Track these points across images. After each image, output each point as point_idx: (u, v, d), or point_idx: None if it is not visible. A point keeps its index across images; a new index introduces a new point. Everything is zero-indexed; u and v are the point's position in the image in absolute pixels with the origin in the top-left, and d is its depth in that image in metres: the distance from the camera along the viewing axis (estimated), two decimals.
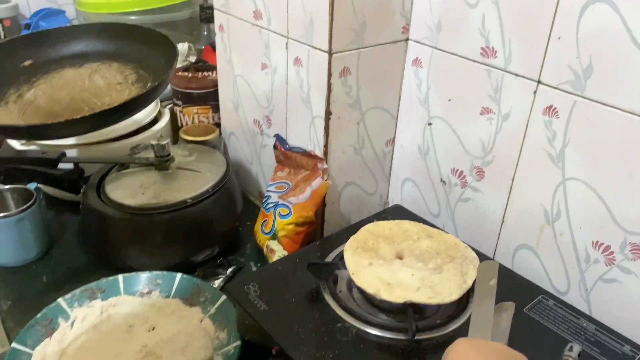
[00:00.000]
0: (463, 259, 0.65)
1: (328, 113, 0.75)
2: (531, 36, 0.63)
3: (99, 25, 0.94)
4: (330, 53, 0.71)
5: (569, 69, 0.60)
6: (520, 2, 0.63)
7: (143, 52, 0.88)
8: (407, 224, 0.71)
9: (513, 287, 0.66)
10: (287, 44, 0.78)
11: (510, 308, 0.56)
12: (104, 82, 0.88)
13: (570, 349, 0.55)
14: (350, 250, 0.65)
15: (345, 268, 0.64)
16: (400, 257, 0.66)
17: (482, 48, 0.69)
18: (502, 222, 0.74)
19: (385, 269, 0.63)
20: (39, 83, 0.87)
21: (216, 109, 1.03)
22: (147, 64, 0.87)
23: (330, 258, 0.70)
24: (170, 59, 0.81)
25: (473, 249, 0.67)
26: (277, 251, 0.78)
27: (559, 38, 0.60)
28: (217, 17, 0.92)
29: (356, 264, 0.63)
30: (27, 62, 0.89)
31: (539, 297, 0.65)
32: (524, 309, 0.63)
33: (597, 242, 0.63)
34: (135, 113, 0.81)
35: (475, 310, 0.55)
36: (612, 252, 0.62)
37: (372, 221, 0.73)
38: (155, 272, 0.76)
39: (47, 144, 0.90)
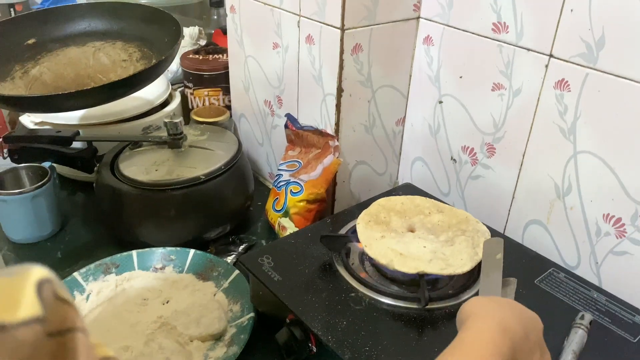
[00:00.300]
0: (474, 232, 0.65)
1: (340, 90, 0.76)
2: (543, 9, 0.63)
3: (102, 4, 0.95)
4: (342, 29, 0.71)
5: (582, 41, 0.61)
6: None
7: (146, 31, 0.88)
8: (418, 199, 0.71)
9: (523, 260, 0.67)
10: (299, 22, 0.78)
11: (513, 283, 0.57)
12: (109, 59, 0.88)
13: (582, 318, 0.56)
14: (363, 223, 0.66)
15: (357, 241, 0.65)
16: (412, 230, 0.67)
17: (493, 24, 0.69)
18: (513, 198, 0.74)
19: (398, 241, 0.64)
20: (44, 60, 0.88)
21: (226, 91, 1.03)
22: (150, 42, 0.88)
23: (342, 232, 0.71)
24: (174, 37, 0.82)
25: (484, 223, 0.68)
26: (289, 228, 0.79)
27: (572, 10, 0.60)
28: None
29: (368, 236, 0.64)
30: (31, 41, 0.89)
31: (549, 270, 0.65)
32: (535, 281, 0.63)
33: (608, 214, 0.64)
34: (142, 87, 0.82)
35: (483, 283, 0.55)
36: (622, 225, 0.63)
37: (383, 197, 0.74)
38: (168, 248, 0.77)
39: (61, 123, 0.91)
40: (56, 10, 0.95)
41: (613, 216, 0.63)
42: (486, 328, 0.42)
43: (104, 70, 0.88)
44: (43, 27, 0.92)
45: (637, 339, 0.56)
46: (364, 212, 0.68)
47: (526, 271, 0.65)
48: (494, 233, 0.72)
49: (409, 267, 0.59)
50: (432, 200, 0.71)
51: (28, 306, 0.20)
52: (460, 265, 0.60)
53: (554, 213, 0.69)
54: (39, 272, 0.21)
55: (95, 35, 0.93)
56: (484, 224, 0.68)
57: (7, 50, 0.88)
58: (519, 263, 0.67)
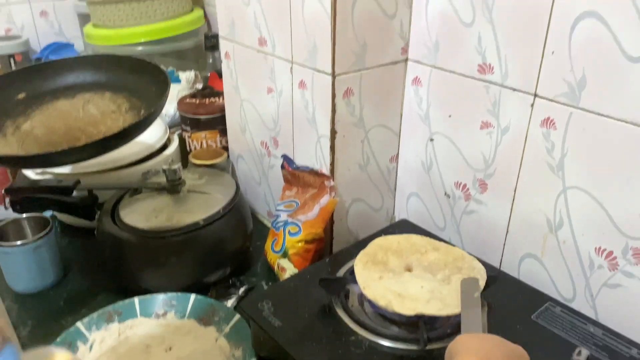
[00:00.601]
0: (470, 269, 0.67)
1: (333, 132, 0.78)
2: (526, 52, 0.65)
3: (89, 57, 0.98)
4: (333, 75, 0.74)
5: (564, 81, 0.63)
6: (514, 20, 0.66)
7: (134, 81, 0.91)
8: (414, 237, 0.73)
9: (519, 295, 0.68)
10: (291, 68, 0.81)
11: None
12: (98, 111, 0.90)
13: (579, 354, 0.57)
14: (361, 265, 0.67)
15: (356, 282, 0.66)
16: (409, 270, 0.68)
17: (479, 65, 0.71)
18: (507, 232, 0.75)
19: (395, 281, 0.65)
20: (35, 114, 0.90)
21: (223, 133, 1.05)
22: (138, 92, 0.90)
23: (340, 273, 0.72)
24: (162, 87, 0.84)
25: (479, 260, 0.69)
26: (288, 269, 0.80)
27: (553, 52, 0.63)
28: (223, 45, 0.95)
29: (367, 277, 0.65)
30: (21, 95, 0.91)
31: (546, 305, 0.66)
32: (532, 316, 0.64)
33: (600, 247, 0.65)
34: (133, 139, 0.84)
35: (463, 320, 0.57)
36: (614, 258, 0.64)
37: (380, 236, 0.75)
38: (170, 294, 0.78)
39: (61, 172, 0.93)
40: (45, 65, 0.97)
41: (605, 249, 0.64)
42: None
43: (94, 122, 0.90)
44: (33, 81, 0.94)
45: None
46: (362, 252, 0.69)
47: (523, 306, 0.66)
48: (490, 268, 0.73)
49: (407, 308, 0.60)
50: (428, 238, 0.73)
51: None
52: (457, 304, 0.61)
53: (547, 247, 0.71)
54: (62, 356, 0.22)
55: (84, 87, 0.95)
56: (479, 259, 0.69)
57: None
58: (516, 298, 0.67)
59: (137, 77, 0.91)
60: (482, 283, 0.63)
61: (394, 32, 0.77)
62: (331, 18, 0.70)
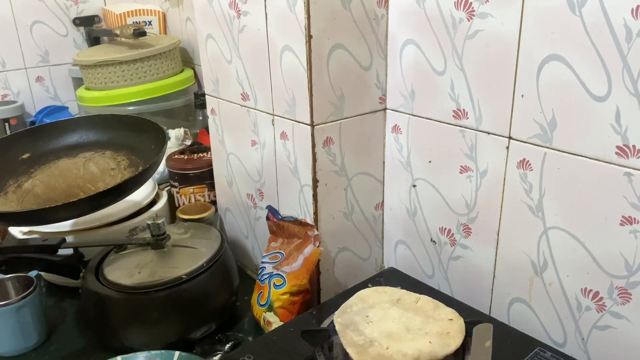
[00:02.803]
0: (443, 315, 0.65)
1: (315, 181, 0.78)
2: (497, 96, 0.67)
3: (92, 117, 1.01)
4: (312, 125, 0.75)
5: (535, 123, 0.64)
6: (483, 65, 0.67)
7: (134, 139, 0.93)
8: (390, 290, 0.71)
9: (508, 341, 0.66)
10: (273, 120, 0.82)
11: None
12: (98, 169, 0.92)
13: None
14: (340, 324, 0.65)
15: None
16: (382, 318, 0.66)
17: (454, 111, 0.73)
18: (494, 276, 0.74)
19: (374, 329, 0.63)
20: (37, 174, 0.92)
21: (211, 187, 1.06)
22: (138, 149, 0.92)
23: (325, 324, 0.70)
24: (159, 143, 0.86)
25: (469, 307, 0.67)
26: (274, 323, 0.79)
27: (522, 96, 0.64)
28: (209, 101, 0.98)
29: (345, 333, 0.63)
30: (26, 155, 0.94)
31: (535, 350, 0.64)
32: None
33: (586, 288, 0.64)
34: (128, 194, 0.85)
35: None
36: (601, 298, 0.62)
37: (367, 286, 0.74)
38: (153, 352, 0.76)
39: (48, 231, 0.93)
40: (50, 125, 1.00)
41: (591, 290, 0.63)
42: None
43: (93, 179, 0.92)
44: (37, 141, 0.97)
45: None
46: (337, 318, 0.67)
47: (512, 352, 0.64)
48: (478, 315, 0.72)
49: None
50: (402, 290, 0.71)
51: None
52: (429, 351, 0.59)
53: (534, 290, 0.69)
54: None
55: (86, 146, 0.98)
56: (469, 307, 0.68)
57: (3, 166, 0.92)
58: (505, 344, 0.66)
59: (137, 135, 0.94)
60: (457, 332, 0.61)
61: (371, 82, 0.79)
62: (307, 71, 0.72)
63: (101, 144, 0.98)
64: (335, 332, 0.65)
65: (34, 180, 0.92)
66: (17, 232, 0.95)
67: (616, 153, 0.57)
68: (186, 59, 1.41)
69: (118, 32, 1.30)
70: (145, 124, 0.93)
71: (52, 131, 0.98)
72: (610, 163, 0.58)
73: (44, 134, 0.98)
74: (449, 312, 0.66)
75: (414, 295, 0.70)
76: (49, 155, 0.97)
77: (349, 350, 0.60)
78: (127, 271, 0.79)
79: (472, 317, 0.65)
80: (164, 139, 0.87)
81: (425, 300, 0.68)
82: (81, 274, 0.84)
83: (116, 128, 0.98)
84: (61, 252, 0.85)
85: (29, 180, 0.93)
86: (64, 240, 0.85)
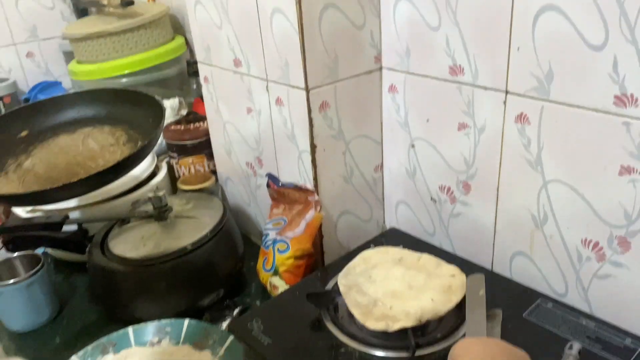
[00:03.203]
0: (446, 272, 0.67)
1: (313, 147, 0.78)
2: (493, 50, 0.66)
3: (88, 92, 0.99)
4: (307, 90, 0.74)
5: (532, 76, 0.63)
6: (478, 19, 0.66)
7: (131, 113, 0.92)
8: (394, 250, 0.72)
9: (510, 294, 0.67)
10: (267, 86, 0.81)
11: (498, 315, 0.58)
12: (97, 145, 0.92)
13: (570, 348, 0.56)
14: (344, 286, 0.66)
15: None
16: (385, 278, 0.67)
17: (450, 67, 0.72)
18: (495, 232, 0.75)
19: (377, 288, 0.64)
20: (36, 151, 0.92)
21: (210, 156, 1.06)
22: (136, 124, 0.91)
23: (330, 286, 0.72)
24: (157, 117, 0.85)
25: (471, 263, 0.68)
26: (280, 286, 0.80)
27: (518, 49, 0.63)
28: (201, 69, 0.97)
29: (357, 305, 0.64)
30: (24, 133, 0.93)
31: (537, 301, 0.65)
32: (523, 315, 0.63)
33: (586, 239, 0.64)
34: (129, 171, 0.85)
35: (468, 320, 0.56)
36: (601, 248, 0.63)
37: (369, 246, 0.75)
38: (163, 321, 0.78)
39: (52, 209, 0.93)
40: (47, 102, 0.99)
41: (591, 240, 0.64)
42: None
43: (93, 156, 0.91)
44: (35, 118, 0.96)
45: None
46: (341, 280, 0.68)
47: (514, 305, 0.65)
48: (481, 269, 0.73)
49: (400, 324, 0.60)
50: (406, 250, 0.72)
51: None
52: (444, 302, 0.61)
53: (535, 243, 0.70)
54: None
55: (84, 121, 0.97)
56: (471, 262, 0.69)
57: (1, 145, 0.92)
58: (506, 297, 0.67)
59: (134, 110, 0.93)
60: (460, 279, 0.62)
61: (365, 42, 0.78)
62: (299, 33, 0.71)
63: (99, 119, 0.97)
64: (340, 294, 0.66)
65: (34, 159, 0.92)
66: (21, 210, 0.96)
67: (614, 103, 0.57)
68: (176, 26, 1.38)
69: (105, 2, 1.27)
70: (142, 98, 0.92)
71: (49, 107, 0.97)
72: (609, 113, 0.58)
73: (41, 110, 0.97)
74: (451, 269, 0.67)
75: (416, 254, 0.71)
76: (47, 132, 0.96)
77: (354, 312, 0.61)
78: (132, 244, 0.80)
79: (473, 273, 0.66)
80: (161, 112, 0.86)
81: (427, 258, 0.69)
82: (87, 249, 0.85)
83: (113, 102, 0.96)
84: (65, 228, 0.86)
85: (28, 158, 0.92)
86: (67, 217, 0.86)
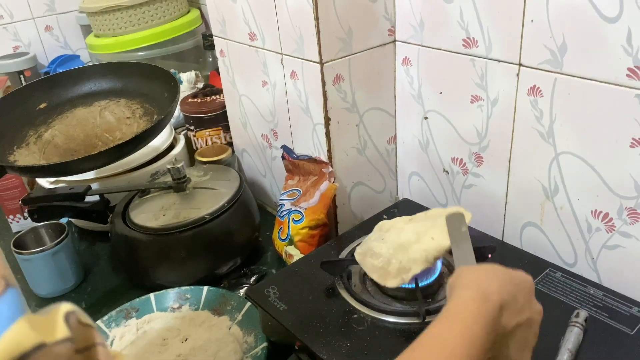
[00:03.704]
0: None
1: (327, 119, 0.79)
2: (506, 22, 0.66)
3: (105, 65, 1.01)
4: (321, 63, 0.75)
5: (546, 48, 0.63)
6: None
7: (147, 87, 0.94)
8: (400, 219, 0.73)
9: (520, 264, 0.69)
10: (282, 59, 0.82)
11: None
12: (114, 117, 0.94)
13: (577, 315, 0.58)
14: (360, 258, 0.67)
15: (357, 263, 0.67)
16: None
17: (463, 40, 0.72)
18: (506, 202, 0.76)
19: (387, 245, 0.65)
20: (55, 123, 0.94)
21: (227, 129, 1.08)
22: (151, 97, 0.93)
23: (343, 255, 0.74)
24: (172, 91, 0.87)
25: (482, 233, 0.70)
26: (295, 255, 0.82)
27: (532, 21, 0.63)
28: (217, 42, 0.98)
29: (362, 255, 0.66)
30: (43, 105, 0.96)
31: (546, 271, 0.67)
32: None
33: (596, 210, 0.65)
34: (146, 144, 0.87)
35: (455, 255, 0.55)
36: (611, 219, 0.64)
37: (382, 217, 0.77)
38: (183, 288, 0.81)
39: (74, 180, 0.96)
40: (64, 74, 1.01)
41: (601, 212, 0.65)
42: (469, 296, 0.43)
43: (110, 128, 0.94)
44: (53, 91, 0.98)
45: (634, 331, 0.57)
46: (358, 249, 0.69)
47: None
48: (492, 240, 0.74)
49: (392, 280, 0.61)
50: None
51: (60, 331, 0.28)
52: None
53: (545, 214, 0.71)
54: (65, 307, 0.30)
55: (101, 94, 0.99)
56: (482, 232, 0.70)
57: (21, 116, 0.95)
58: (516, 266, 0.67)
59: (150, 83, 0.95)
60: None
61: (379, 14, 0.78)
62: (313, 7, 0.71)
63: (115, 92, 0.99)
64: (353, 262, 0.68)
65: (53, 131, 0.95)
66: (45, 182, 0.99)
67: (627, 75, 0.57)
68: None
69: None
70: (156, 71, 0.94)
71: (66, 80, 0.99)
72: (621, 85, 0.58)
73: (59, 83, 0.99)
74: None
75: (425, 211, 0.71)
76: (65, 104, 0.99)
77: (373, 276, 0.63)
78: (152, 214, 0.83)
79: (485, 243, 0.68)
80: (176, 86, 0.88)
81: (435, 209, 0.70)
82: (109, 219, 0.89)
83: (128, 75, 0.99)
84: (88, 199, 0.89)
85: (48, 130, 0.95)
86: (90, 187, 0.89)
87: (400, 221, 0.71)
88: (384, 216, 0.82)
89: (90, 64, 1.44)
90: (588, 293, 0.63)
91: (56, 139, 0.93)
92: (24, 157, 0.90)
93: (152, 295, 0.80)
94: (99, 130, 0.94)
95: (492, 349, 0.43)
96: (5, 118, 0.92)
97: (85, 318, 0.31)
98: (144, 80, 0.96)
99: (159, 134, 0.89)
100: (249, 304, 0.76)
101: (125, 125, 0.93)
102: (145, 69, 0.97)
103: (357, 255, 0.67)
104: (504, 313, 0.44)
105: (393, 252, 0.63)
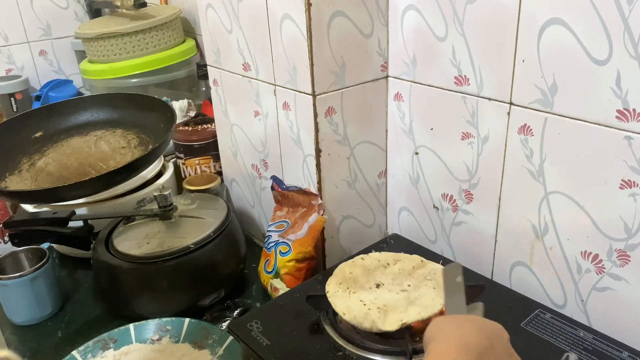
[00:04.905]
0: (432, 271, 0.67)
1: (318, 151, 0.79)
2: (498, 61, 0.67)
3: (102, 96, 1.02)
4: (314, 95, 0.75)
5: (536, 88, 0.64)
6: (484, 31, 0.67)
7: (144, 118, 0.94)
8: (377, 255, 0.72)
9: (509, 304, 0.68)
10: (275, 90, 0.82)
11: (480, 307, 0.56)
12: (109, 147, 0.93)
13: (567, 359, 0.56)
14: (332, 291, 0.66)
15: None
16: (378, 286, 0.67)
17: (455, 77, 0.72)
18: (495, 241, 0.75)
19: (370, 296, 0.64)
20: (49, 152, 0.94)
21: (217, 158, 1.07)
22: (148, 128, 0.93)
23: None
24: (169, 122, 0.87)
25: (471, 271, 0.69)
26: (281, 289, 0.80)
27: (523, 61, 0.64)
28: (211, 72, 0.98)
29: (342, 302, 0.64)
30: (39, 134, 0.95)
31: (535, 312, 0.66)
32: (521, 324, 0.64)
33: (586, 251, 0.65)
34: (139, 173, 0.87)
35: (447, 305, 0.55)
36: (600, 260, 0.63)
37: (371, 251, 0.76)
38: (164, 319, 0.78)
39: (58, 205, 0.95)
40: (62, 104, 1.01)
41: (590, 253, 0.64)
42: (445, 348, 0.42)
43: (104, 157, 0.93)
44: (49, 120, 0.98)
45: None
46: (329, 281, 0.68)
47: (512, 314, 0.65)
48: (481, 278, 0.73)
49: (390, 323, 0.60)
50: (391, 253, 0.73)
51: None
52: (432, 305, 0.61)
53: (535, 254, 0.71)
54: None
55: (97, 124, 0.99)
56: (470, 270, 0.69)
57: (16, 144, 0.94)
58: (505, 306, 0.67)
59: (147, 114, 0.95)
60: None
61: (372, 50, 0.79)
62: (307, 40, 0.72)
63: (112, 122, 0.99)
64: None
65: (47, 159, 0.94)
66: (29, 205, 0.97)
67: (616, 117, 0.57)
68: (188, 29, 1.40)
69: (118, 3, 1.29)
70: (155, 103, 0.94)
71: (64, 109, 0.99)
72: (611, 127, 0.58)
73: (56, 112, 0.99)
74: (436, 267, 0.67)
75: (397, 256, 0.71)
76: (61, 133, 0.98)
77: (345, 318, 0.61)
78: (136, 242, 0.81)
79: (474, 281, 0.67)
80: (173, 117, 0.88)
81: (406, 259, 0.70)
82: (92, 245, 0.87)
83: (126, 107, 0.98)
84: (71, 224, 0.87)
85: (42, 158, 0.94)
86: (74, 212, 0.87)
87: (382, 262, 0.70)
88: (372, 250, 0.80)
89: (83, 89, 1.44)
90: (578, 336, 0.61)
91: (49, 167, 0.92)
92: (15, 183, 0.88)
93: (131, 326, 0.78)
94: (93, 159, 0.93)
95: None
96: (0, 145, 0.91)
97: None
98: (141, 111, 0.96)
99: (152, 163, 0.88)
100: (231, 338, 0.74)
101: (120, 155, 0.92)
102: (143, 100, 0.97)
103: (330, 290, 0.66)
104: None
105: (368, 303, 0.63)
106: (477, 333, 0.44)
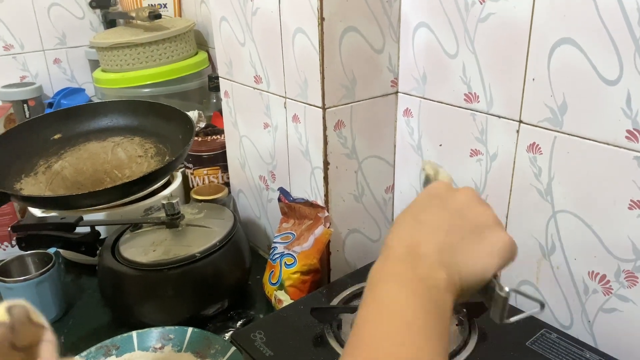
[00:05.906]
0: None
1: (326, 164, 0.79)
2: (508, 79, 0.67)
3: (123, 102, 1.02)
4: (324, 108, 0.76)
5: (546, 107, 0.64)
6: (495, 49, 0.67)
7: (163, 128, 0.93)
8: None
9: (514, 323, 0.67)
10: (285, 103, 0.83)
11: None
12: (126, 155, 0.94)
13: None
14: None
15: (349, 312, 0.65)
16: None
17: (465, 94, 0.73)
18: None
19: None
20: (66, 155, 0.94)
21: (225, 169, 1.08)
22: (166, 138, 0.93)
23: (334, 302, 0.72)
24: (187, 134, 0.87)
25: None
26: (285, 301, 0.80)
27: (533, 79, 0.64)
28: (222, 84, 0.99)
29: None
30: (57, 136, 0.95)
31: (541, 331, 0.65)
32: (527, 343, 0.63)
33: (593, 272, 0.64)
34: (153, 185, 0.86)
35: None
36: (608, 281, 0.63)
37: None
38: (167, 327, 0.78)
39: (66, 210, 0.95)
40: (82, 107, 1.01)
41: (598, 273, 0.64)
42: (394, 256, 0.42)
43: (120, 165, 0.93)
44: (69, 122, 0.98)
45: None
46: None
47: (517, 333, 0.65)
48: None
49: None
50: None
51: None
52: None
53: (541, 273, 0.70)
54: (9, 302, 0.32)
55: (116, 130, 0.99)
56: None
57: (34, 145, 0.94)
58: (510, 325, 0.66)
59: (166, 124, 0.94)
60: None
61: (383, 65, 0.80)
62: (319, 54, 0.73)
63: (130, 129, 0.99)
64: (344, 310, 0.67)
65: (63, 162, 0.94)
66: (36, 210, 0.98)
67: (626, 137, 0.57)
68: (201, 41, 1.42)
69: (134, 14, 1.31)
70: (175, 113, 0.94)
71: (84, 113, 0.99)
72: (620, 147, 0.58)
73: (76, 115, 0.99)
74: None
75: None
76: (79, 137, 0.98)
77: None
78: (142, 249, 0.82)
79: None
80: (192, 130, 0.87)
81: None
82: (98, 252, 0.87)
83: (146, 115, 0.98)
84: (78, 230, 0.87)
85: (58, 161, 0.94)
86: (81, 218, 0.88)
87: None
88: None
89: (95, 98, 1.46)
90: (584, 357, 0.61)
91: (65, 171, 0.93)
92: (30, 186, 0.89)
93: (134, 333, 0.78)
94: (109, 166, 0.93)
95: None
96: (19, 145, 0.91)
97: (38, 318, 0.33)
98: (161, 120, 0.96)
99: (167, 175, 0.88)
100: (233, 348, 0.73)
101: (136, 164, 0.92)
102: (164, 109, 0.97)
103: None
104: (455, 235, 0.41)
105: None
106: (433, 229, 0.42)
